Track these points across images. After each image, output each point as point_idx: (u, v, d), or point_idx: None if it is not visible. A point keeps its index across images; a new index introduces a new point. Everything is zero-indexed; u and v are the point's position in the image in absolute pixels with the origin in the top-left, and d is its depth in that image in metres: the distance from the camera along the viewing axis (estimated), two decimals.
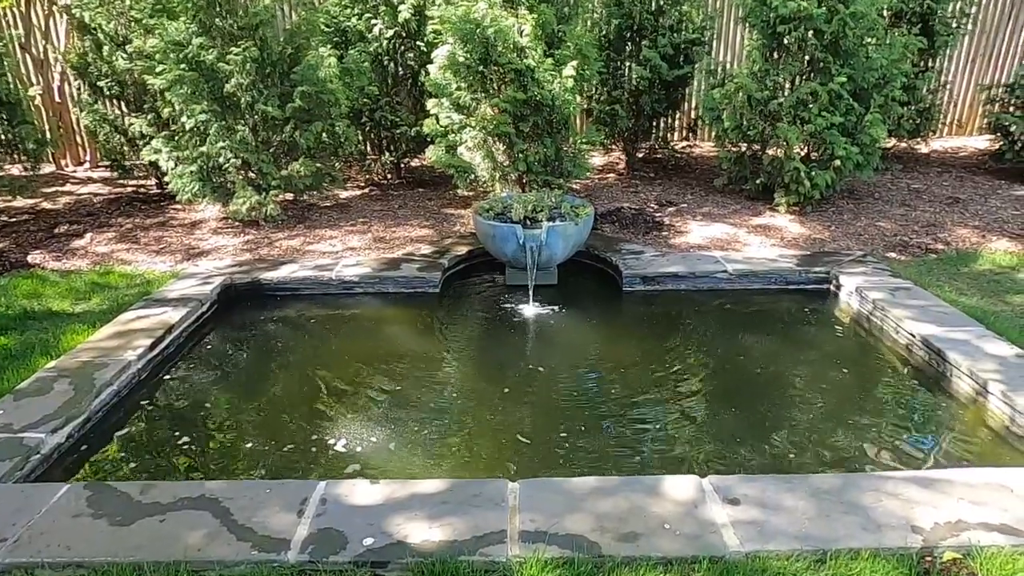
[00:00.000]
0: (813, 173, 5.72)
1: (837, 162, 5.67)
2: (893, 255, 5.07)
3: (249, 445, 2.98)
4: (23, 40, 8.08)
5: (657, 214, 6.05)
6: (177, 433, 3.07)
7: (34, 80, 8.27)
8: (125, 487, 2.48)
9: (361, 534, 2.20)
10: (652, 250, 5.13)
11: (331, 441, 2.98)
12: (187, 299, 4.27)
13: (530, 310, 4.44)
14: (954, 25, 7.09)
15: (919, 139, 7.65)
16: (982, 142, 8.29)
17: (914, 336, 3.70)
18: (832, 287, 4.62)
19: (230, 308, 4.50)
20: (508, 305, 4.53)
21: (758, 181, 6.15)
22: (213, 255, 5.30)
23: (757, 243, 5.32)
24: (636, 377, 3.56)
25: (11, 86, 6.26)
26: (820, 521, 2.21)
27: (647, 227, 5.71)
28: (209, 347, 4.01)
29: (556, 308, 4.46)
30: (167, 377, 3.61)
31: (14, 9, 8.24)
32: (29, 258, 5.32)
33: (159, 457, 2.90)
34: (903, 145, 7.75)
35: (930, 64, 7.26)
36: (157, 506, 2.36)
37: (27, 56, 8.19)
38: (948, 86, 8.45)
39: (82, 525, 2.28)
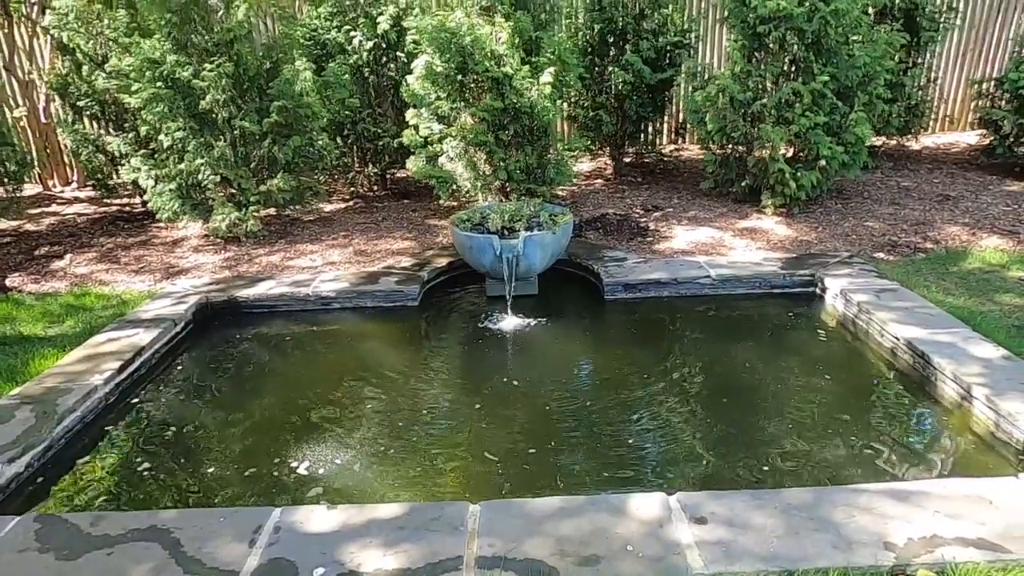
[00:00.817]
0: (799, 174, 5.65)
1: (823, 162, 5.59)
2: (881, 255, 4.98)
3: (211, 470, 2.90)
4: (7, 62, 8.08)
5: (642, 220, 5.97)
6: (139, 459, 3.00)
7: (20, 101, 8.27)
8: (76, 519, 2.41)
9: (313, 563, 2.12)
10: (635, 257, 5.06)
11: (295, 464, 2.90)
12: (161, 319, 4.21)
13: (509, 322, 4.37)
14: (940, 20, 7.01)
15: (909, 136, 7.57)
16: (973, 137, 8.19)
17: (898, 339, 3.61)
18: (817, 290, 4.54)
19: (205, 327, 4.44)
20: (487, 317, 4.45)
21: (744, 183, 6.07)
22: (192, 273, 5.24)
23: (743, 247, 5.24)
24: (613, 390, 3.48)
25: None
26: (789, 539, 2.13)
27: (632, 233, 5.63)
28: (180, 368, 3.94)
29: (535, 319, 4.38)
30: (135, 401, 3.54)
31: None
32: (7, 281, 5.28)
33: (118, 486, 2.83)
34: (892, 142, 7.67)
35: (917, 60, 7.18)
36: (106, 538, 2.29)
37: (12, 78, 8.19)
38: (938, 82, 8.37)
39: (27, 560, 2.21)
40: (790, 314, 4.32)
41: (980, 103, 7.18)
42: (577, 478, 2.75)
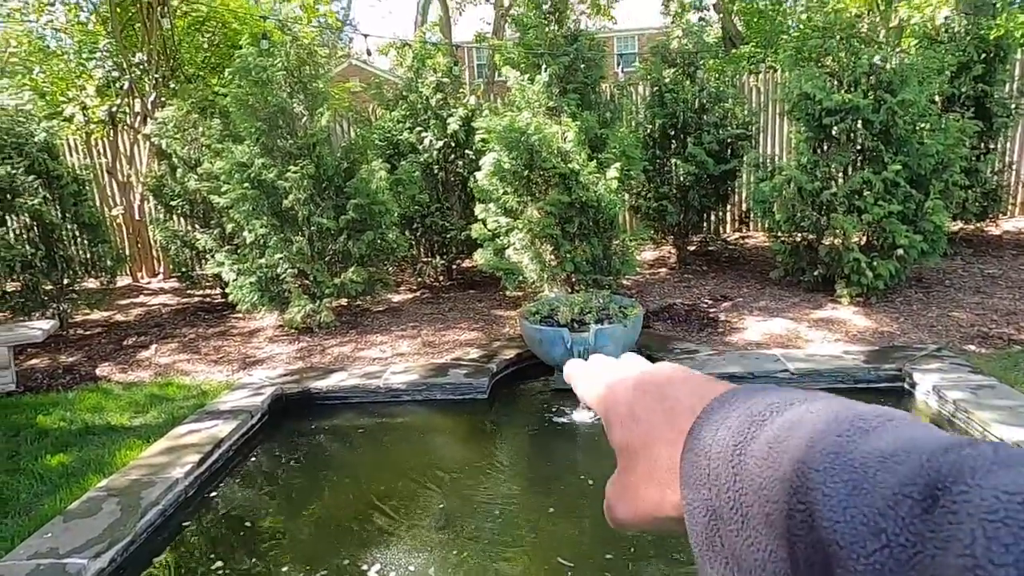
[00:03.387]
0: (875, 263, 5.49)
1: (900, 251, 5.43)
2: (972, 348, 4.72)
3: (284, 569, 2.87)
4: (110, 165, 8.83)
5: (711, 310, 5.88)
6: (213, 556, 3.00)
7: (118, 200, 8.96)
8: None
9: None
10: (707, 349, 4.94)
11: (365, 567, 2.84)
12: (238, 411, 4.31)
13: (580, 416, 4.28)
14: (1012, 106, 6.90)
15: (988, 221, 7.32)
16: None
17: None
18: (906, 385, 4.30)
19: (280, 419, 4.51)
20: (557, 411, 4.38)
21: (816, 272, 5.94)
22: (268, 364, 5.40)
23: (819, 338, 5.07)
24: None
25: (93, 209, 6.77)
26: None
27: (701, 324, 5.53)
28: (255, 461, 3.99)
29: None
30: (213, 495, 3.58)
31: (104, 138, 9.08)
32: (98, 371, 5.55)
33: None
34: (971, 228, 7.42)
35: (991, 146, 7.04)
36: None
37: (113, 180, 8.92)
38: (1014, 166, 8.15)
39: None
40: None
41: None
42: None
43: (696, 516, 0.32)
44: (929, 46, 6.77)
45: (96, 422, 4.40)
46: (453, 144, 6.98)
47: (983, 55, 6.69)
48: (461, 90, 7.33)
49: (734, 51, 15.21)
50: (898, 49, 6.38)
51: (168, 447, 3.84)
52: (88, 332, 6.71)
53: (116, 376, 5.42)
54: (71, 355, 5.98)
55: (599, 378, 0.45)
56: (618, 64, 27.25)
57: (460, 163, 7.10)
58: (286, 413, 4.60)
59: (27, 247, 6.26)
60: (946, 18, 6.94)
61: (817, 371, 4.41)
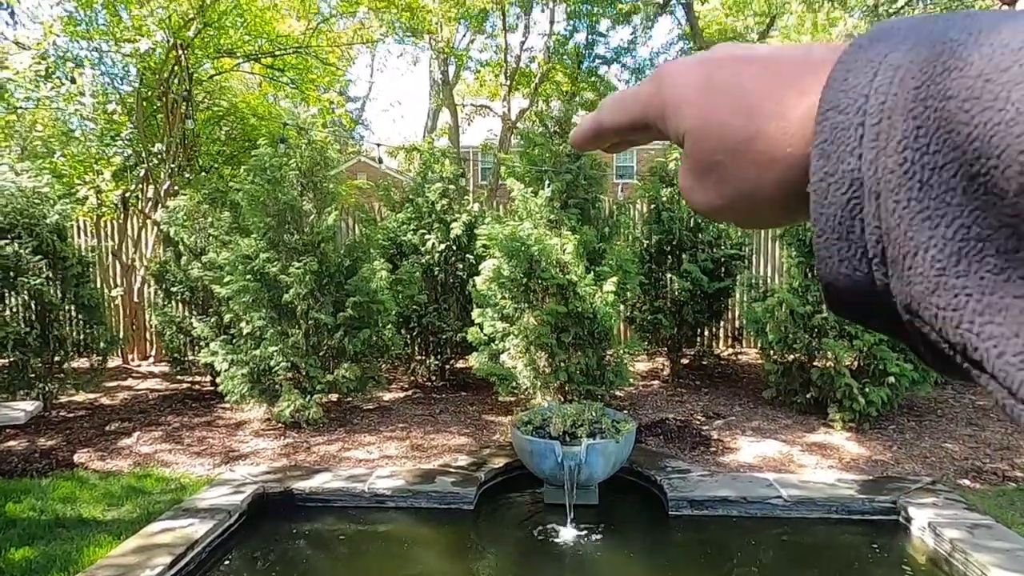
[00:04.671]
0: (867, 389, 5.52)
1: (891, 378, 5.48)
2: (966, 482, 4.66)
3: None
4: (116, 248, 8.98)
5: (704, 427, 5.84)
6: None
7: (119, 281, 9.05)
8: None
9: None
10: (700, 469, 4.87)
11: None
12: (216, 509, 4.17)
13: (568, 533, 4.16)
14: None
15: None
16: None
17: None
18: (900, 519, 4.22)
19: (259, 520, 4.36)
20: (545, 527, 4.26)
21: (809, 395, 5.95)
22: (251, 459, 5.28)
23: (813, 463, 5.01)
24: None
25: (94, 291, 6.82)
26: None
27: (694, 442, 5.48)
28: (231, 565, 3.83)
29: (596, 533, 4.17)
30: None
31: (114, 221, 9.28)
32: (76, 457, 5.40)
33: None
34: None
35: None
36: None
37: (117, 262, 9.04)
38: None
39: None
40: (874, 545, 3.99)
41: None
42: None
43: (832, 195, 0.25)
44: None
45: (68, 513, 4.24)
46: (455, 247, 7.16)
47: None
48: (466, 197, 7.59)
49: None
50: None
51: (139, 546, 3.69)
52: (71, 415, 6.58)
53: (94, 464, 5.27)
54: (51, 438, 5.84)
55: (631, 89, 0.36)
56: (617, 176, 28.39)
57: (460, 266, 7.25)
58: (266, 514, 4.45)
59: (22, 325, 6.26)
60: None
61: (811, 499, 4.33)
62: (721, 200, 0.32)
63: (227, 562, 3.86)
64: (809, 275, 6.02)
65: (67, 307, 6.70)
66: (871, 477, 4.72)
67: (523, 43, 17.26)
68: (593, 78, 18.46)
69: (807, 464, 5.00)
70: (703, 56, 0.33)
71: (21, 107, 9.36)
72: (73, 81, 8.44)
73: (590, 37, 17.95)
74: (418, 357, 7.57)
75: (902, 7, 10.59)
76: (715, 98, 0.31)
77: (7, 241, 6.09)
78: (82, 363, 7.70)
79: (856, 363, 5.84)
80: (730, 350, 8.38)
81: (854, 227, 0.25)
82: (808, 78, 0.28)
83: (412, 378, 7.55)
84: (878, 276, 0.25)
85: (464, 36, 18.54)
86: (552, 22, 17.59)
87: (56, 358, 6.53)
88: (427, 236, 7.15)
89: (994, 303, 0.21)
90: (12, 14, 7.79)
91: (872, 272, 0.25)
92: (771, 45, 0.33)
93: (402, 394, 7.16)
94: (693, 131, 0.32)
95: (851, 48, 0.26)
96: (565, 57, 17.51)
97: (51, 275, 6.43)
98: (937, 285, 0.22)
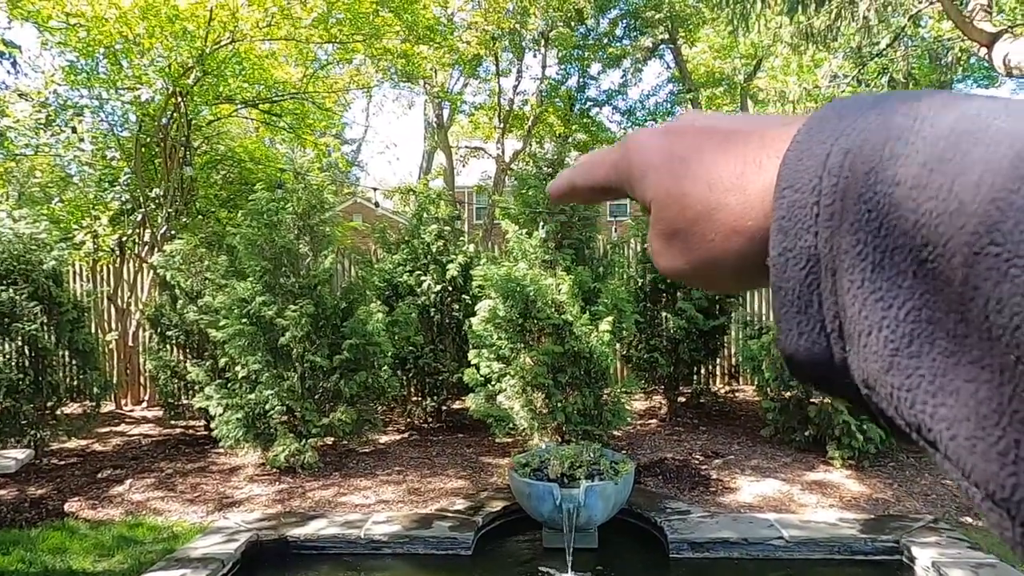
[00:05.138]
0: (865, 426, 5.51)
1: None
2: (968, 520, 4.62)
3: None
4: (111, 292, 8.98)
5: (703, 467, 5.79)
6: None
7: (114, 325, 9.02)
8: None
9: None
10: (700, 510, 4.82)
11: None
12: (209, 559, 4.10)
13: None
14: None
15: None
16: None
17: None
18: (904, 558, 4.17)
19: (253, 568, 4.28)
20: (544, 572, 4.19)
21: (807, 433, 5.92)
22: (245, 505, 5.20)
23: (813, 502, 4.96)
24: None
25: (89, 336, 6.79)
26: None
27: (693, 482, 5.43)
28: None
29: None
30: None
31: (111, 265, 9.31)
32: (67, 506, 5.31)
33: None
34: None
35: None
36: None
37: (112, 305, 9.03)
38: None
39: None
40: None
41: None
42: None
43: (790, 270, 0.26)
44: None
45: (57, 566, 4.16)
46: (451, 288, 7.19)
47: None
48: (461, 238, 7.66)
49: None
50: None
51: None
52: (62, 462, 6.49)
53: (85, 513, 5.18)
54: (41, 487, 5.75)
55: (603, 151, 0.38)
56: (612, 214, 28.67)
57: (457, 307, 7.27)
58: (260, 562, 4.37)
59: (15, 371, 6.22)
60: None
61: (812, 540, 4.28)
62: (687, 265, 0.33)
63: None
64: None
65: (61, 352, 6.67)
66: (873, 516, 4.68)
67: (516, 87, 17.63)
68: (585, 119, 18.80)
69: (808, 503, 4.95)
70: (668, 126, 0.35)
71: (20, 153, 9.46)
72: (74, 130, 8.55)
73: (581, 80, 18.35)
74: (414, 399, 7.53)
75: (884, 49, 10.88)
76: (677, 167, 0.32)
77: (3, 287, 6.09)
78: (75, 409, 7.64)
79: None
80: (727, 388, 8.35)
81: (812, 302, 0.25)
82: (765, 153, 0.29)
83: (408, 420, 7.49)
84: (836, 350, 0.25)
85: (458, 80, 18.93)
86: (544, 66, 17.99)
87: (49, 404, 6.47)
88: (423, 277, 7.18)
89: (945, 385, 0.21)
90: (14, 64, 7.93)
91: (831, 346, 0.25)
92: (733, 116, 0.34)
93: (398, 436, 7.09)
94: (657, 199, 0.33)
95: (806, 127, 0.27)
96: (557, 100, 17.86)
97: (46, 320, 6.42)
98: (891, 364, 0.23)
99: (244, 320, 5.89)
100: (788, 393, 6.13)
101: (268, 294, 6.00)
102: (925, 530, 4.37)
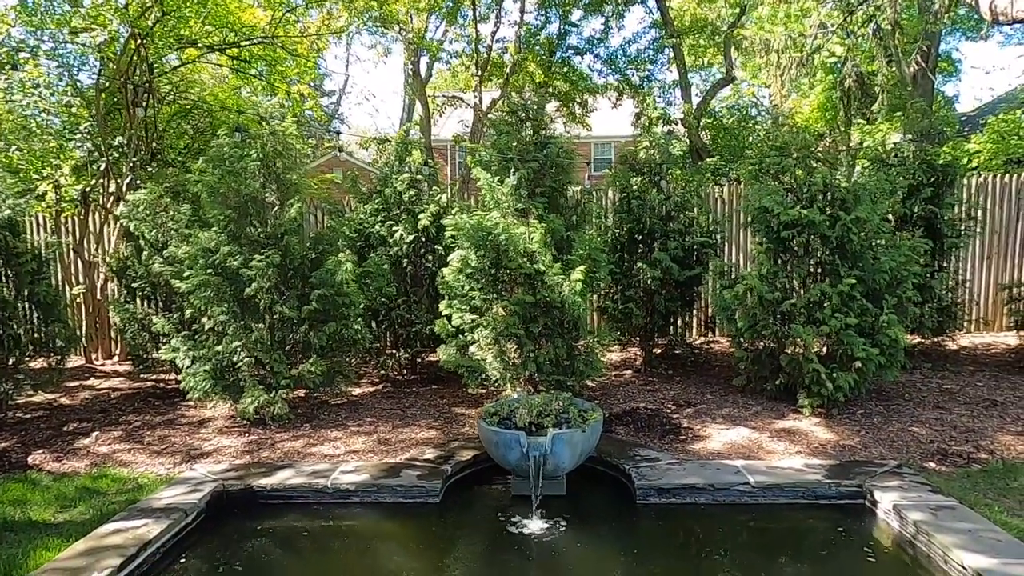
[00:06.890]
0: (835, 374, 5.52)
1: (858, 363, 5.48)
2: (932, 465, 4.68)
3: None
4: (76, 244, 8.73)
5: (674, 416, 5.81)
6: None
7: (82, 280, 8.80)
8: None
9: None
10: (668, 457, 4.84)
11: None
12: (172, 509, 4.05)
13: (534, 524, 4.10)
14: (960, 227, 7.22)
15: (945, 336, 7.48)
16: (1013, 339, 8.06)
17: (966, 569, 3.26)
18: (867, 503, 4.21)
19: (218, 518, 4.24)
20: (511, 519, 4.19)
21: (778, 381, 5.95)
22: (213, 457, 5.15)
23: (781, 449, 5.00)
24: None
25: (50, 288, 6.59)
26: None
27: (664, 430, 5.45)
28: (187, 565, 3.71)
29: (563, 524, 4.11)
30: None
31: (75, 217, 9.03)
32: (30, 459, 5.23)
33: None
34: (928, 342, 7.56)
35: (943, 264, 7.30)
36: None
37: (79, 258, 8.79)
38: (967, 284, 8.45)
39: None
40: (840, 529, 3.98)
41: (1013, 307, 7.15)
42: None
43: None
44: (880, 168, 7.14)
45: (17, 516, 4.09)
46: (424, 239, 7.06)
47: (932, 179, 7.06)
48: (435, 187, 7.48)
49: (700, 163, 15.94)
50: (856, 168, 6.72)
51: (89, 548, 3.56)
52: (28, 415, 6.39)
53: (49, 465, 5.11)
54: (4, 440, 5.65)
55: None
56: (596, 168, 28.37)
57: (430, 258, 7.15)
58: (226, 512, 4.33)
59: None
60: (895, 143, 7.36)
61: (778, 485, 4.32)
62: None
63: (182, 561, 3.75)
64: (777, 262, 6.01)
65: (22, 305, 6.48)
66: (838, 462, 4.72)
67: (495, 33, 17.11)
68: (566, 68, 18.37)
69: (776, 450, 4.99)
70: None
71: None
72: (14, 67, 8.13)
73: (562, 27, 17.86)
74: (388, 351, 7.47)
75: None
76: None
77: None
78: (40, 363, 7.49)
79: (824, 349, 5.85)
80: (703, 339, 8.37)
81: None
82: None
83: (382, 372, 7.44)
84: None
85: (438, 29, 18.35)
86: (523, 12, 17.46)
87: (12, 359, 6.32)
88: (395, 228, 7.04)
89: None
90: None
91: None
92: None
93: (372, 388, 7.05)
94: None
95: None
96: (537, 47, 17.39)
97: (4, 272, 6.21)
98: None
99: (209, 271, 5.74)
100: (760, 343, 6.13)
101: (233, 244, 5.84)
102: (889, 475, 4.42)
